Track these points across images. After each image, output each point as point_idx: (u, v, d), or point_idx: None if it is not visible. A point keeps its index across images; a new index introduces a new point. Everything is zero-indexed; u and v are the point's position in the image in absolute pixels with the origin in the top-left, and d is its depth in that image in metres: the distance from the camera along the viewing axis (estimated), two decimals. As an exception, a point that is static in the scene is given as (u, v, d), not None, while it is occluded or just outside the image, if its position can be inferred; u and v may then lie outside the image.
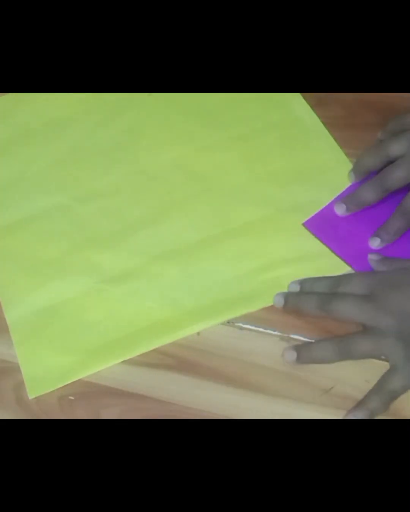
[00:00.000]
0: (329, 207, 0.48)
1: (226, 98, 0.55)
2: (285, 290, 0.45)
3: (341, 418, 0.40)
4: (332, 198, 0.48)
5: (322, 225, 0.47)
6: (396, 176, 0.45)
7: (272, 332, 0.44)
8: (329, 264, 0.46)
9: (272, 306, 0.45)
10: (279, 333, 0.44)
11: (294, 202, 0.49)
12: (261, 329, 0.44)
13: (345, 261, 0.46)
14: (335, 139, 0.52)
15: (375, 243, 0.45)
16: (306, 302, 0.43)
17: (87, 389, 0.43)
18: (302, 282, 0.44)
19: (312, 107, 0.54)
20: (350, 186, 0.49)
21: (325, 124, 0.53)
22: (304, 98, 0.54)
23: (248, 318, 0.45)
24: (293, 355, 0.41)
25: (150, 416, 0.42)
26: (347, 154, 0.51)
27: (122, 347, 0.44)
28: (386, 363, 0.42)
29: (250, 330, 0.44)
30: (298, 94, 0.54)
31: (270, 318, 0.45)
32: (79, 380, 0.44)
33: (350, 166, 0.50)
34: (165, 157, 0.53)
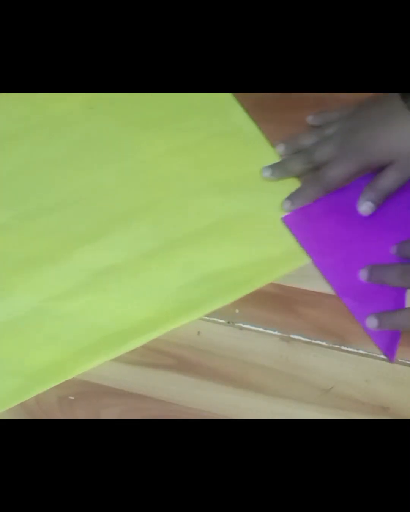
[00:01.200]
0: (312, 206, 0.48)
1: (169, 109, 0.55)
2: (226, 297, 0.45)
3: (341, 418, 0.40)
4: (276, 197, 0.49)
5: (301, 223, 0.48)
6: (324, 150, 0.48)
7: (272, 332, 0.44)
8: (269, 270, 0.46)
9: (272, 306, 0.45)
10: (279, 333, 0.44)
11: (236, 211, 0.49)
12: (261, 329, 0.44)
13: (313, 261, 0.46)
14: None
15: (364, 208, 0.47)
16: (387, 274, 0.45)
17: (87, 389, 0.43)
18: (371, 269, 0.45)
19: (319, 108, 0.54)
20: (338, 190, 0.49)
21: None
22: (305, 98, 0.54)
23: (248, 318, 0.45)
24: (375, 322, 0.43)
25: (150, 416, 0.42)
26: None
27: (67, 367, 0.44)
28: (386, 362, 0.42)
29: (250, 330, 0.44)
30: (237, 104, 0.55)
31: (270, 318, 0.45)
32: (79, 380, 0.44)
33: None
34: (109, 171, 0.53)
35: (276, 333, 0.44)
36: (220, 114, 0.55)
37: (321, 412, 0.41)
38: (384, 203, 0.47)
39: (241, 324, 0.45)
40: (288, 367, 0.43)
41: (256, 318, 0.45)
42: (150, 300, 0.46)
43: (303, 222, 0.48)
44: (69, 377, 0.43)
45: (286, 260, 0.47)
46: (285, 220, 0.48)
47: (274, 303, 0.45)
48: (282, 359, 0.43)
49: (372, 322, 0.43)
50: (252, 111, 0.55)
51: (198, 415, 0.42)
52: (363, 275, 0.45)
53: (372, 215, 0.47)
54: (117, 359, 0.44)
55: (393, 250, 0.46)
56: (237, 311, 0.45)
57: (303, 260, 0.47)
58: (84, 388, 0.43)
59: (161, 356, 0.44)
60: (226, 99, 0.55)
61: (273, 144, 0.52)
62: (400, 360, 0.42)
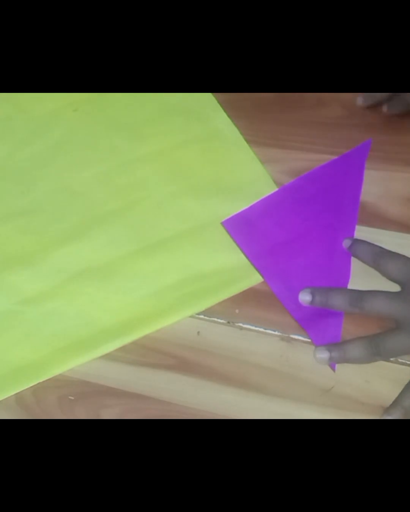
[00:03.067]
0: (251, 209, 0.48)
1: (150, 111, 0.55)
2: (203, 302, 0.45)
3: (341, 418, 0.40)
4: (254, 201, 0.49)
5: (240, 227, 0.48)
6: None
7: (272, 332, 0.44)
8: (244, 275, 0.46)
9: (272, 306, 0.45)
10: (279, 333, 0.44)
11: (213, 216, 0.49)
12: (261, 329, 0.44)
13: (254, 265, 0.46)
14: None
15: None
16: (336, 299, 0.43)
17: (87, 389, 0.43)
18: (313, 291, 0.43)
19: (313, 107, 0.54)
20: (275, 192, 0.49)
21: (325, 124, 0.53)
22: (305, 98, 0.54)
23: (248, 318, 0.45)
24: (325, 354, 0.41)
25: (150, 416, 0.42)
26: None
27: (38, 369, 0.44)
28: (386, 362, 0.42)
29: (250, 330, 0.44)
30: (219, 106, 0.55)
31: (270, 318, 0.45)
32: (79, 380, 0.44)
33: (269, 179, 0.50)
34: (88, 173, 0.53)
35: (276, 333, 0.44)
36: (201, 117, 0.54)
37: (321, 412, 0.41)
38: (320, 205, 0.48)
39: (241, 324, 0.45)
40: (288, 367, 0.43)
41: (256, 318, 0.45)
42: (125, 303, 0.46)
43: (241, 225, 0.48)
44: (42, 379, 0.44)
45: None
46: (224, 224, 0.48)
47: (274, 303, 0.45)
48: (282, 359, 0.43)
49: (322, 354, 0.41)
50: (249, 112, 0.54)
51: (198, 415, 0.42)
52: (304, 298, 0.43)
53: (309, 217, 0.48)
54: (118, 359, 0.44)
55: (345, 244, 0.45)
56: (237, 311, 0.45)
57: None
58: (84, 388, 0.43)
59: (161, 356, 0.44)
60: (208, 101, 0.55)
61: (268, 145, 0.52)
62: (400, 360, 0.42)
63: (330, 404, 0.41)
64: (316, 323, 0.43)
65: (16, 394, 0.43)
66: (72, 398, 0.43)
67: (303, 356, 0.43)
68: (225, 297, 0.46)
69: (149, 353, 0.44)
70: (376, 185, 0.49)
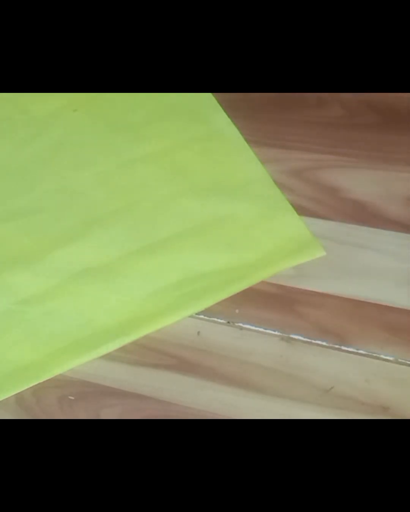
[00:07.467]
0: None
1: (149, 111, 0.55)
2: (203, 302, 0.45)
3: (341, 418, 0.40)
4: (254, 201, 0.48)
5: None
6: None
7: (272, 332, 0.44)
8: (244, 275, 0.46)
9: (272, 306, 0.45)
10: (279, 333, 0.44)
11: (213, 216, 0.49)
12: (261, 329, 0.44)
13: None
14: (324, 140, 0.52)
15: None
16: None
17: (87, 389, 0.43)
18: None
19: (313, 107, 0.54)
20: None
21: (325, 124, 0.53)
22: (305, 98, 0.54)
23: (248, 318, 0.45)
24: None
25: (150, 416, 0.42)
26: (346, 154, 0.51)
27: (38, 369, 0.44)
28: (386, 362, 0.42)
29: (250, 330, 0.44)
30: (218, 106, 0.55)
31: (270, 318, 0.45)
32: (79, 380, 0.44)
33: (269, 179, 0.50)
34: (88, 173, 0.53)
35: (276, 333, 0.44)
36: (201, 117, 0.54)
37: (321, 412, 0.41)
38: None
39: (241, 324, 0.45)
40: (288, 367, 0.43)
41: (256, 318, 0.45)
42: (125, 303, 0.46)
43: None
44: (42, 379, 0.44)
45: (261, 266, 0.47)
46: None
47: (274, 303, 0.45)
48: (282, 359, 0.43)
49: None
50: (249, 112, 0.55)
51: (198, 415, 0.42)
52: None
53: None
54: (118, 359, 0.44)
55: None
56: (237, 311, 0.45)
57: (279, 266, 0.46)
58: (84, 388, 0.43)
59: (161, 356, 0.44)
60: (208, 101, 0.55)
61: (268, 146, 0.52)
62: (400, 360, 0.42)
63: (330, 404, 0.41)
64: None
65: (16, 394, 0.43)
66: (72, 398, 0.43)
67: (303, 356, 0.43)
68: (225, 297, 0.46)
69: (149, 353, 0.44)
70: (376, 185, 0.49)
